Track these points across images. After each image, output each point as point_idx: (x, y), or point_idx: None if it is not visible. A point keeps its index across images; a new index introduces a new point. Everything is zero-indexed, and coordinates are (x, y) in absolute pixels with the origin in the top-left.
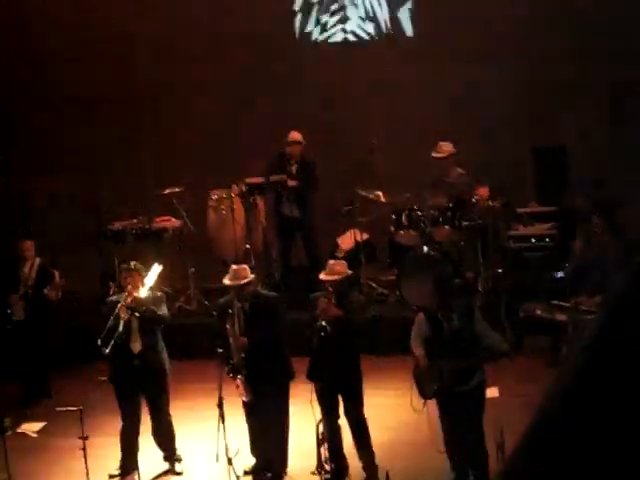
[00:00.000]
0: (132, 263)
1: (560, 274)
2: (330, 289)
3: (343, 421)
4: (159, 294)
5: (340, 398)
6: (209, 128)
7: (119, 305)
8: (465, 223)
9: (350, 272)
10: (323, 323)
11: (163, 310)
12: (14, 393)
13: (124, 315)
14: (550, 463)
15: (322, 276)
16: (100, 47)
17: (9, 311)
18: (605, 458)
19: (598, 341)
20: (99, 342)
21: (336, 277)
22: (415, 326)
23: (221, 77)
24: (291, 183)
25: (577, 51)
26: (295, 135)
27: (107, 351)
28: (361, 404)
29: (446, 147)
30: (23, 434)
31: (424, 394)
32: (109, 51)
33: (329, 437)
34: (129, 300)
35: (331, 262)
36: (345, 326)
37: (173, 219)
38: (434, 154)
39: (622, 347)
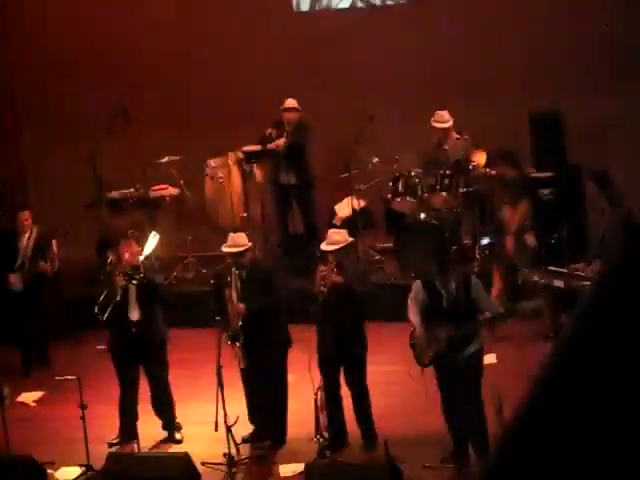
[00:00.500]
0: (130, 231)
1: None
2: (331, 258)
3: (344, 389)
4: (156, 262)
5: (342, 368)
6: (206, 96)
7: (116, 273)
8: (462, 190)
9: (351, 240)
10: (322, 288)
11: (160, 278)
12: (13, 363)
13: (121, 283)
14: (548, 430)
15: (323, 246)
16: (100, 14)
17: (9, 283)
18: (605, 425)
19: (594, 309)
20: (96, 309)
21: (336, 246)
22: (412, 294)
23: (219, 43)
24: (279, 142)
25: (578, 19)
26: (290, 102)
27: (104, 318)
28: (364, 374)
29: (445, 115)
30: (22, 403)
31: (421, 362)
32: (108, 20)
33: (330, 406)
34: (126, 268)
35: (331, 231)
36: (346, 294)
37: (170, 187)
38: (434, 123)
39: (617, 315)
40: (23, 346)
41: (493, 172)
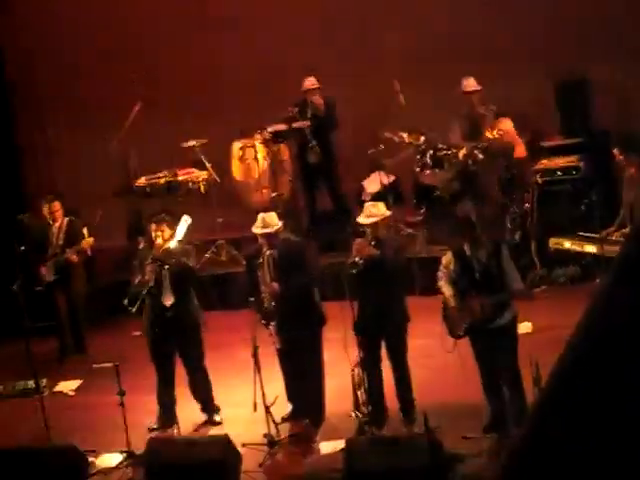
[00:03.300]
0: (161, 215)
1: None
2: (368, 231)
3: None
4: (188, 246)
5: (383, 343)
6: (229, 78)
7: (149, 258)
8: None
9: (388, 213)
10: (358, 260)
11: (192, 262)
12: (49, 353)
13: (154, 268)
14: (581, 396)
15: (360, 219)
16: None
17: (41, 274)
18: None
19: (625, 273)
20: (125, 301)
21: (374, 219)
22: (442, 266)
23: (244, 27)
24: (305, 123)
25: None
26: (310, 82)
27: (133, 310)
28: (405, 347)
29: (472, 81)
30: (60, 393)
31: (455, 333)
32: (131, 6)
33: (370, 380)
34: (159, 253)
35: (367, 204)
36: (383, 267)
37: (197, 171)
38: (466, 88)
39: None
40: (58, 335)
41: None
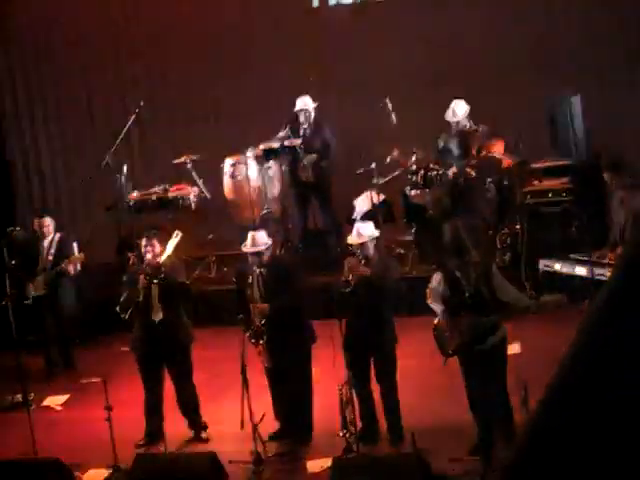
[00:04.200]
0: (152, 231)
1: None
2: (358, 252)
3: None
4: (178, 262)
5: (372, 362)
6: (222, 94)
7: (138, 273)
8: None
9: (377, 233)
10: (350, 278)
11: (182, 278)
12: (36, 367)
13: (143, 283)
14: (573, 417)
15: (349, 238)
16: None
17: (29, 287)
18: (631, 412)
19: (617, 293)
20: (117, 308)
21: (363, 239)
22: (432, 285)
23: (232, 43)
24: (296, 142)
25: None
26: (303, 102)
27: (126, 317)
28: (394, 368)
29: (459, 109)
30: (48, 407)
31: (445, 351)
32: (124, 19)
33: (360, 400)
34: (148, 268)
35: (358, 224)
36: (373, 287)
37: (189, 187)
38: (450, 118)
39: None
40: (44, 349)
41: (512, 162)
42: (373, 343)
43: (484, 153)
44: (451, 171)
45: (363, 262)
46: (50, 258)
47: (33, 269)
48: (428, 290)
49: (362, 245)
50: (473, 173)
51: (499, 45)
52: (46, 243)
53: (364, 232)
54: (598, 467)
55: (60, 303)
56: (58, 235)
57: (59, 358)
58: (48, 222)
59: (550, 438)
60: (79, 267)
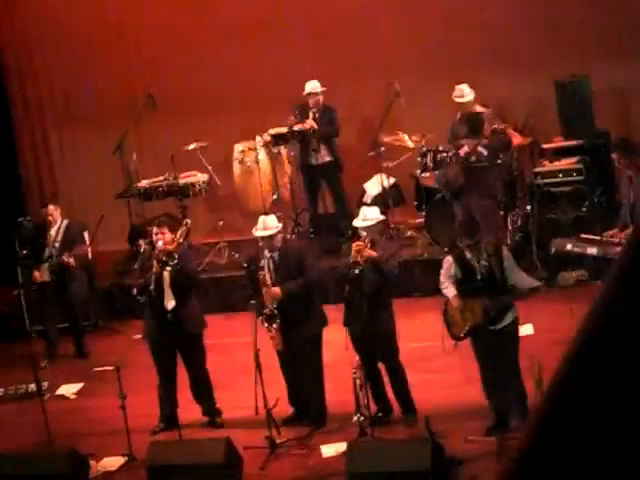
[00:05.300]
0: (162, 218)
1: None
2: (364, 234)
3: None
4: (189, 249)
5: (374, 343)
6: (231, 80)
7: (150, 261)
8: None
9: (383, 217)
10: (357, 259)
11: (193, 265)
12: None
13: (155, 270)
14: (584, 399)
15: (356, 222)
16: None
17: (34, 277)
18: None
19: (627, 274)
20: (134, 291)
21: (369, 222)
22: (444, 269)
23: (243, 29)
24: (306, 125)
25: None
26: (312, 85)
27: (143, 300)
28: (395, 350)
29: (465, 89)
30: (62, 396)
31: (456, 335)
32: (133, 7)
33: (370, 383)
34: (160, 255)
35: (364, 208)
36: (378, 271)
37: (199, 174)
38: (454, 98)
39: None
40: (46, 335)
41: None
42: (374, 326)
43: (496, 127)
44: (463, 150)
45: (369, 245)
46: (57, 245)
47: (40, 257)
48: (442, 274)
49: (368, 228)
50: (485, 152)
51: (506, 29)
52: (53, 231)
53: (370, 215)
54: (612, 450)
55: (70, 292)
56: (65, 222)
57: (56, 343)
58: (52, 210)
59: (562, 420)
60: (90, 256)
